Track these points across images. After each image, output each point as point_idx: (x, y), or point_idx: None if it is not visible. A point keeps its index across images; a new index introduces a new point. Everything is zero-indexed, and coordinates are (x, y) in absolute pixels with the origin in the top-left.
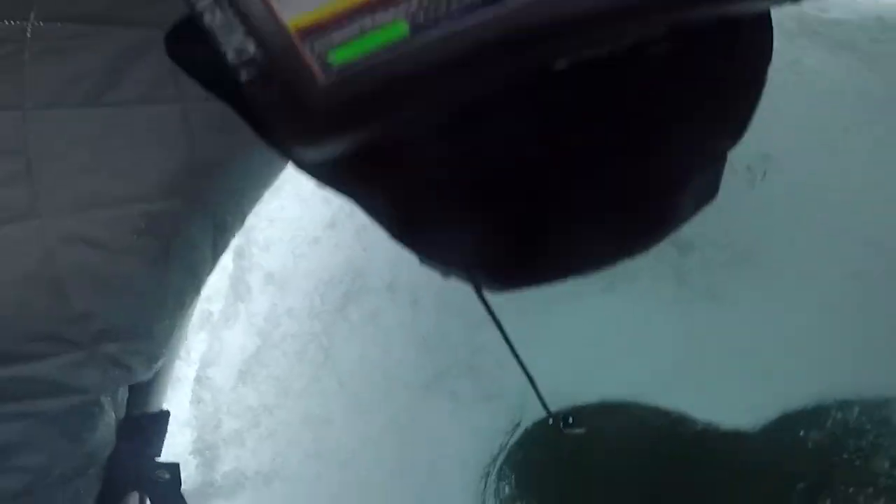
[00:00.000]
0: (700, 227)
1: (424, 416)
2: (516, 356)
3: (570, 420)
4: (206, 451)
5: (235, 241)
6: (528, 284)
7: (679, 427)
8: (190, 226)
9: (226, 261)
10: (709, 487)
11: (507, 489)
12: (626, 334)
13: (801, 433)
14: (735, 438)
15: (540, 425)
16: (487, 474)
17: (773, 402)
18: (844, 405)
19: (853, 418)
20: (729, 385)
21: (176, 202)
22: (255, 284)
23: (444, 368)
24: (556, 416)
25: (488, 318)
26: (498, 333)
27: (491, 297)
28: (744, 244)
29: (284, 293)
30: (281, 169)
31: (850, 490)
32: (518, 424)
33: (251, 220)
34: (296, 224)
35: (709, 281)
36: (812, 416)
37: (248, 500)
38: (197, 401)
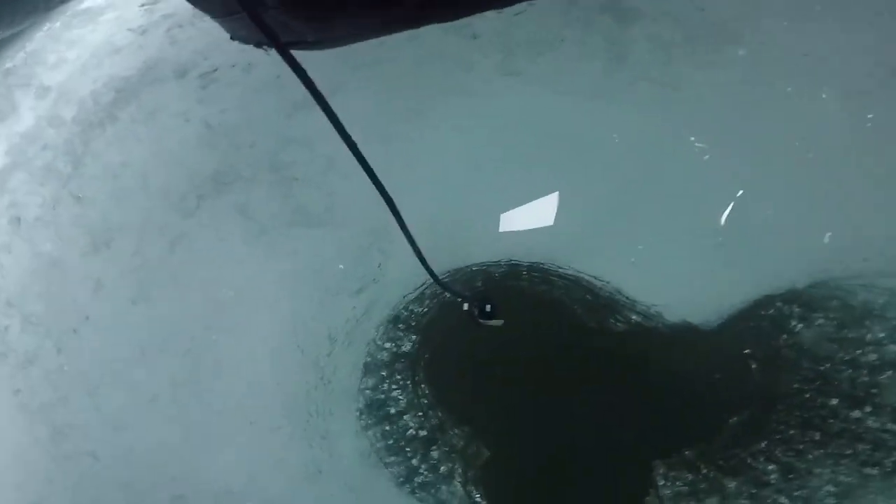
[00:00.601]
0: None
1: (194, 249)
2: (362, 161)
3: (488, 308)
4: None
5: (5, 64)
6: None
7: (610, 319)
8: None
9: None
10: (641, 408)
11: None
12: (535, 143)
13: (747, 351)
14: (682, 336)
15: (417, 302)
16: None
17: (734, 287)
18: (811, 304)
19: (819, 331)
20: (677, 247)
21: None
22: (24, 101)
23: (228, 168)
24: (471, 302)
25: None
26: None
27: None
28: (716, 20)
29: (57, 104)
30: None
31: (791, 432)
32: (363, 289)
33: (44, 42)
34: (101, 43)
35: (658, 62)
36: (774, 318)
37: None
38: None
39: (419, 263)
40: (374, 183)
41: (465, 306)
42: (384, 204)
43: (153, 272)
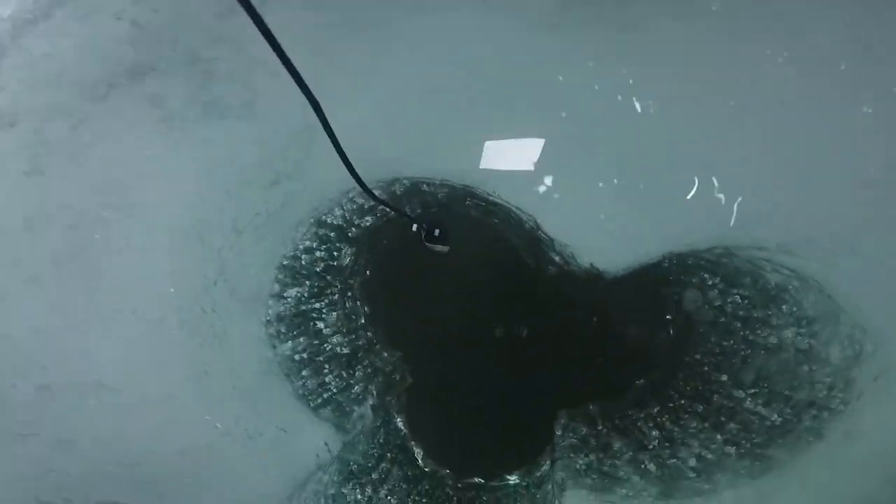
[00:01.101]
0: None
1: (97, 131)
2: (289, 67)
3: (437, 233)
4: None
5: None
6: None
7: (530, 259)
8: None
9: None
10: (564, 358)
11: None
12: (483, 69)
13: (668, 317)
14: (590, 286)
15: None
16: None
17: (656, 241)
18: (729, 288)
19: (729, 309)
20: (615, 195)
21: None
22: None
23: (146, 60)
24: (420, 223)
25: None
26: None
27: None
28: None
29: None
30: None
31: (682, 402)
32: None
33: None
34: None
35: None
36: (687, 289)
37: None
38: None
39: (345, 170)
40: (297, 83)
41: (414, 227)
42: (311, 108)
43: (51, 148)
